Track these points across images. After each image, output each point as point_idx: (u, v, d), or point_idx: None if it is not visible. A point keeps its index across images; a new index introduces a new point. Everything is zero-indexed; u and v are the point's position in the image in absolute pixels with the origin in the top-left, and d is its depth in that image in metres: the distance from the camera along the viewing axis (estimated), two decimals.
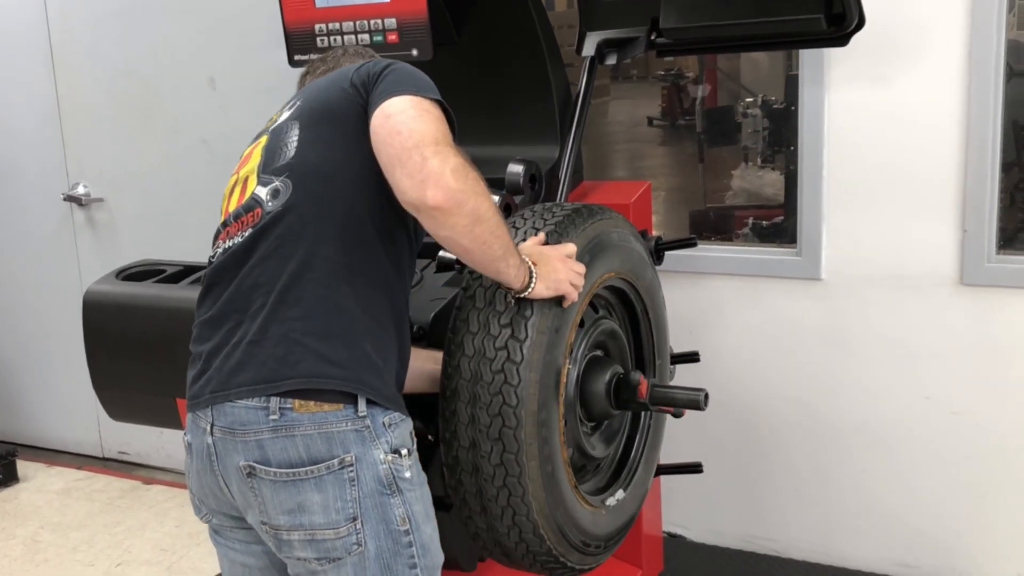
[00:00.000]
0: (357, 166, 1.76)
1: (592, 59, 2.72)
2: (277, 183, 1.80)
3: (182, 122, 4.09)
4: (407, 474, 1.76)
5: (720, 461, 3.27)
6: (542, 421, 1.95)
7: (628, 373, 2.23)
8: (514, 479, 1.93)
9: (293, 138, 1.83)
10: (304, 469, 1.71)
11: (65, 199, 4.37)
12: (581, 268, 2.00)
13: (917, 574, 3.16)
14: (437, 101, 1.73)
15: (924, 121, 2.91)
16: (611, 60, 2.74)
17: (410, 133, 1.65)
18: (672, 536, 3.51)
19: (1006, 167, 2.90)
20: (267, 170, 1.83)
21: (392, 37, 2.55)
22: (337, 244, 1.75)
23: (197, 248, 3.73)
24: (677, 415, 2.27)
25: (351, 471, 1.71)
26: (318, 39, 2.68)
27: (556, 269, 1.92)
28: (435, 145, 1.65)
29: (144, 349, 2.48)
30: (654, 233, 2.79)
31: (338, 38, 2.63)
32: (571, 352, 2.09)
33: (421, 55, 2.52)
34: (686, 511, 3.47)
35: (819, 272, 3.13)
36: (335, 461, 1.71)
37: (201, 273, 2.54)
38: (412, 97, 1.70)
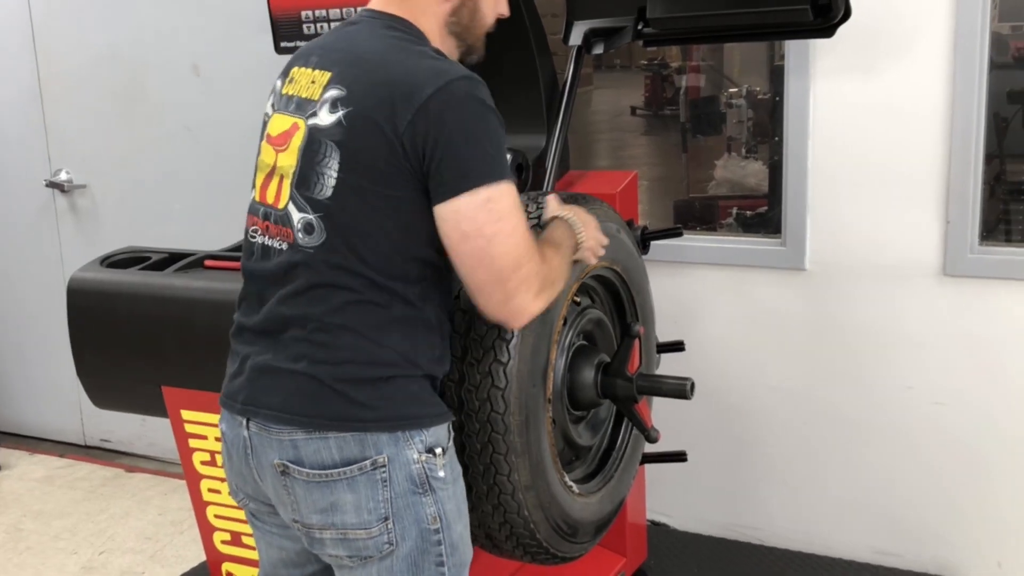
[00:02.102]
0: (395, 227, 1.69)
1: (579, 48, 2.72)
2: (312, 218, 1.70)
3: (166, 109, 4.07)
4: (440, 473, 1.74)
5: (704, 450, 3.28)
6: (529, 408, 1.96)
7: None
8: (500, 456, 1.94)
9: (331, 172, 1.69)
10: (337, 470, 1.70)
11: (47, 185, 4.34)
12: (605, 240, 2.03)
13: (899, 562, 3.19)
14: (504, 177, 1.65)
15: (908, 112, 2.92)
16: (598, 49, 2.74)
17: (491, 263, 1.64)
18: (656, 524, 3.52)
19: (988, 158, 2.91)
20: (301, 190, 1.72)
21: None
22: (370, 294, 1.69)
23: (181, 235, 3.72)
24: (651, 439, 2.29)
25: (384, 472, 1.70)
26: (304, 26, 2.67)
27: (589, 235, 1.96)
28: (516, 273, 1.66)
29: (129, 337, 2.47)
30: (640, 223, 2.80)
31: (325, 24, 2.63)
32: (558, 341, 2.10)
33: None
34: (670, 499, 3.48)
35: (803, 262, 3.14)
36: (367, 463, 1.70)
37: (192, 259, 2.54)
38: (485, 196, 1.63)
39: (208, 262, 2.53)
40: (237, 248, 2.60)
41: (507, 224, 1.65)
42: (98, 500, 4.13)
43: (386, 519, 1.71)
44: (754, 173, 3.51)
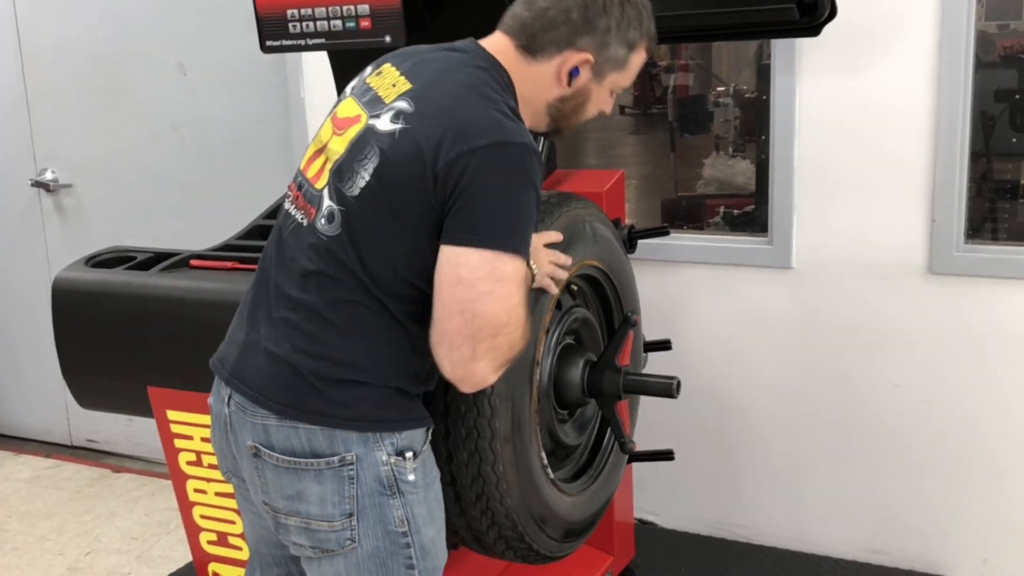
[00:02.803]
0: (399, 248, 1.68)
1: None
2: (336, 209, 1.71)
3: (152, 107, 4.05)
4: (411, 477, 1.74)
5: (691, 448, 3.29)
6: (516, 411, 1.96)
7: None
8: (488, 466, 1.94)
9: (365, 174, 1.69)
10: (305, 460, 1.71)
11: (33, 185, 4.33)
12: (564, 260, 2.01)
13: (885, 560, 3.20)
14: (518, 252, 1.63)
15: (895, 111, 2.93)
16: None
17: (472, 317, 1.60)
18: (644, 523, 3.52)
19: (974, 157, 2.92)
20: (335, 180, 1.73)
21: (365, 23, 2.54)
22: (364, 299, 1.70)
23: (167, 234, 3.71)
24: (626, 449, 2.29)
25: (351, 469, 1.71)
26: (290, 24, 2.65)
27: (540, 262, 1.93)
28: (492, 339, 1.62)
29: (114, 337, 2.46)
30: (627, 221, 2.80)
31: (311, 24, 2.61)
32: (545, 340, 2.09)
33: (394, 42, 2.50)
34: (658, 498, 3.48)
35: (790, 261, 3.14)
36: (336, 459, 1.70)
37: (177, 259, 2.53)
38: (495, 257, 1.60)
39: (193, 262, 2.53)
40: (223, 248, 2.60)
41: (505, 289, 1.62)
42: (84, 500, 4.12)
43: (350, 515, 1.72)
44: (742, 172, 3.51)
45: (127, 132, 4.12)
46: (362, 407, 1.71)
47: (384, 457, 1.72)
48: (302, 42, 2.62)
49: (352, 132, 1.75)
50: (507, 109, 1.72)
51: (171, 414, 2.45)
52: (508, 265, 1.62)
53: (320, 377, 1.70)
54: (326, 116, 1.87)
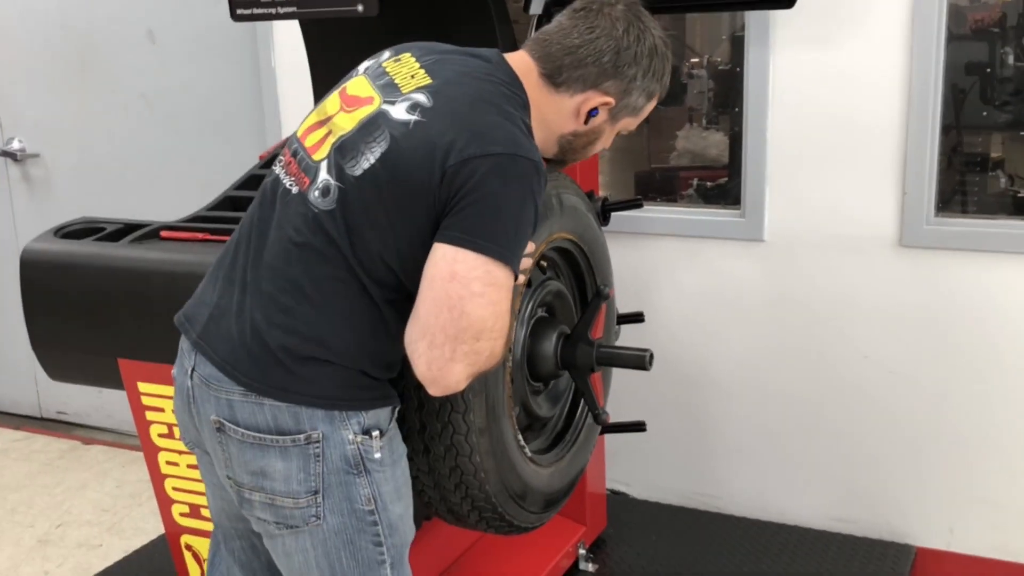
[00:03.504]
0: (391, 236, 1.67)
1: (540, 17, 2.70)
2: (333, 184, 1.69)
3: (120, 76, 4.00)
4: (376, 455, 1.74)
5: (663, 420, 3.30)
6: (490, 401, 1.97)
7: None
8: (461, 437, 1.94)
9: (371, 157, 1.68)
10: (270, 437, 1.71)
11: None
12: (529, 248, 2.01)
13: (853, 529, 3.23)
14: (510, 264, 1.63)
15: (866, 83, 2.94)
16: None
17: (460, 316, 1.59)
18: (615, 493, 3.55)
19: (945, 130, 2.94)
20: (338, 155, 1.71)
21: None
22: (346, 278, 1.69)
23: (137, 205, 3.68)
24: (599, 420, 2.29)
25: (317, 448, 1.70)
26: None
27: None
28: (473, 342, 1.61)
29: (84, 308, 2.44)
30: (600, 194, 2.80)
31: None
32: (518, 313, 2.09)
33: (367, 11, 2.48)
34: (629, 468, 3.51)
35: (762, 233, 3.16)
36: (301, 436, 1.70)
37: (147, 230, 2.51)
38: (488, 263, 1.60)
39: (164, 233, 2.50)
40: (194, 219, 2.58)
41: (496, 294, 1.62)
42: (55, 473, 4.10)
43: (315, 493, 1.72)
44: (715, 144, 3.51)
45: (96, 101, 4.07)
46: (328, 385, 1.70)
47: (351, 436, 1.72)
48: (273, 10, 2.59)
49: (363, 113, 1.74)
50: (523, 127, 1.74)
51: (142, 386, 2.43)
52: (500, 276, 1.62)
53: (288, 352, 1.69)
54: (333, 89, 1.85)
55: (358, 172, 1.68)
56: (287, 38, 3.54)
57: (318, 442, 1.70)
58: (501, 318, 1.64)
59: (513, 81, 1.80)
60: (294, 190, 1.75)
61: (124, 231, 2.54)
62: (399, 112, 1.70)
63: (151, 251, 2.41)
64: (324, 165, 1.72)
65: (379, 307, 1.71)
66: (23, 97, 4.22)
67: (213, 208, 2.62)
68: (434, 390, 1.66)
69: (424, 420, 1.95)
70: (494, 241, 1.62)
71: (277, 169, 1.82)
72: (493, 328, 1.63)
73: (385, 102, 1.73)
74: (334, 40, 2.72)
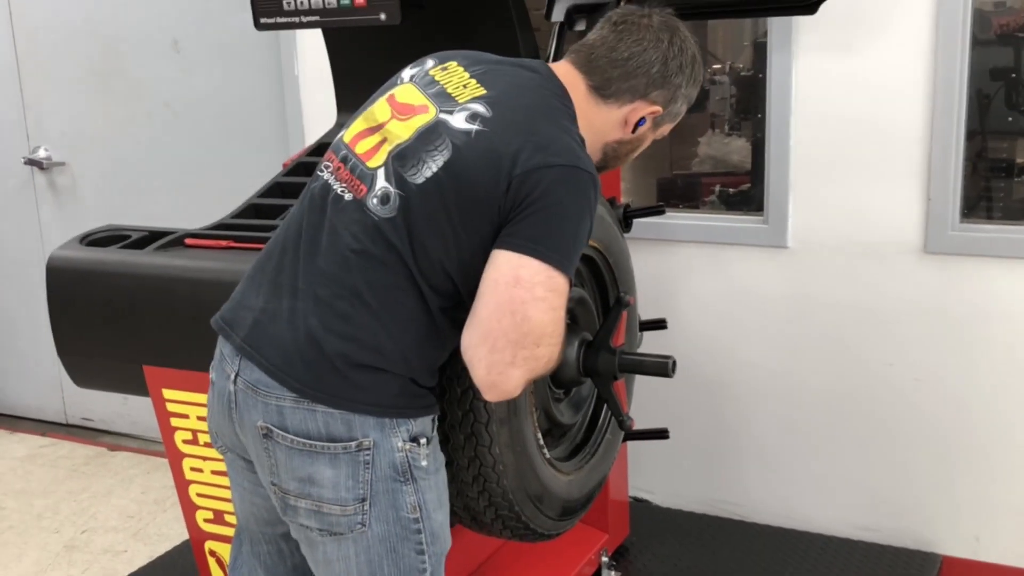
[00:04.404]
0: (453, 244, 1.68)
1: (561, 24, 2.70)
2: (393, 192, 1.70)
3: (145, 85, 4.04)
4: (423, 463, 1.75)
5: (686, 427, 3.29)
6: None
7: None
8: (481, 425, 1.94)
9: (434, 165, 1.69)
10: (321, 444, 1.70)
11: (26, 163, 4.31)
12: None
13: (877, 537, 3.21)
14: (568, 274, 1.67)
15: (891, 89, 2.93)
16: (580, 26, 2.72)
17: (523, 320, 1.62)
18: (638, 500, 3.54)
19: (969, 135, 2.92)
20: (397, 163, 1.72)
21: (359, 1, 2.52)
22: (406, 285, 1.69)
23: (161, 213, 3.71)
24: (624, 427, 2.28)
25: (367, 455, 1.70)
26: (284, 2, 2.64)
27: None
28: (534, 347, 1.65)
29: (109, 315, 2.45)
30: (622, 200, 2.79)
31: (305, 1, 2.60)
32: None
33: (389, 19, 2.49)
34: (652, 476, 3.50)
35: (785, 240, 3.14)
36: (353, 444, 1.70)
37: (172, 237, 2.52)
38: (550, 270, 1.63)
39: (188, 240, 2.52)
40: (218, 226, 2.59)
41: (557, 300, 1.66)
42: (80, 479, 4.12)
43: (363, 500, 1.72)
44: (737, 150, 3.50)
45: (121, 110, 4.10)
46: (381, 393, 1.71)
47: (400, 443, 1.72)
48: (296, 19, 2.60)
49: (419, 121, 1.74)
50: (579, 139, 1.77)
51: (167, 393, 2.44)
52: (561, 280, 1.66)
53: (344, 359, 1.69)
54: (377, 95, 1.86)
55: (420, 180, 1.69)
56: (311, 46, 3.56)
57: (368, 449, 1.70)
58: (559, 324, 1.68)
59: (563, 93, 1.82)
60: (347, 197, 1.74)
61: (149, 239, 2.56)
62: (459, 121, 1.71)
63: (176, 259, 2.42)
64: (382, 172, 1.72)
65: (433, 315, 1.72)
66: (49, 106, 4.26)
67: (237, 216, 2.64)
68: (491, 395, 1.68)
69: (444, 408, 1.95)
70: (556, 249, 1.64)
71: (325, 175, 1.81)
72: (553, 334, 1.67)
73: (442, 111, 1.74)
74: (357, 48, 2.74)
